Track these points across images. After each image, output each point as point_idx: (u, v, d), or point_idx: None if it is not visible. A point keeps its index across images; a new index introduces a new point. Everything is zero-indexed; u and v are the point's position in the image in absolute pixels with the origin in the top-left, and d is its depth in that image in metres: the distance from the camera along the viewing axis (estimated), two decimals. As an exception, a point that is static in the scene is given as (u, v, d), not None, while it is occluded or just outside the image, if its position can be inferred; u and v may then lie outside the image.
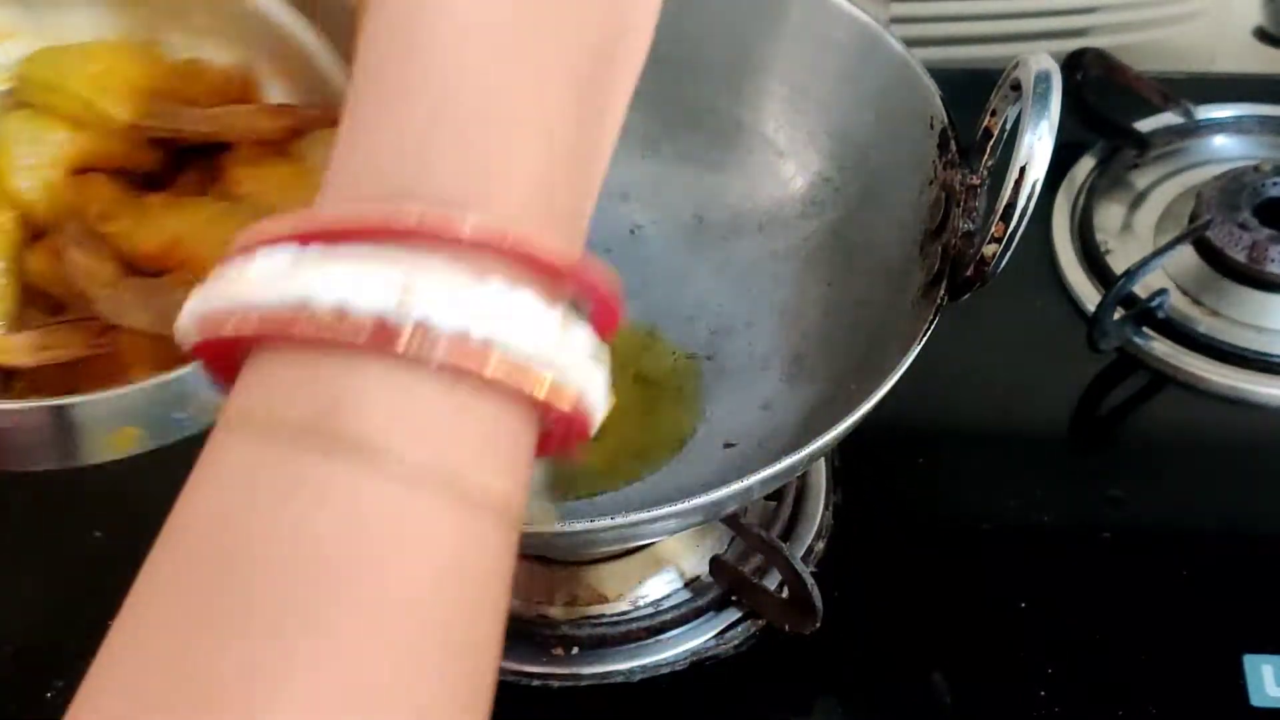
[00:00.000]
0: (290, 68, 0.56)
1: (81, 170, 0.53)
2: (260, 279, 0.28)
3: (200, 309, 0.29)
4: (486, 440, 0.28)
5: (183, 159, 0.55)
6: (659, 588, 0.66)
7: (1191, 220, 0.80)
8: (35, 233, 0.52)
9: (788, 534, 0.67)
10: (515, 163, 0.29)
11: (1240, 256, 0.77)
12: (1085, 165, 0.85)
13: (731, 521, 0.63)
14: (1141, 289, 0.76)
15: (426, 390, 0.27)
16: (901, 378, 0.54)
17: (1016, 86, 0.55)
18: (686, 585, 0.66)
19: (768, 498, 0.68)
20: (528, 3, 0.30)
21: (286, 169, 0.53)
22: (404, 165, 0.28)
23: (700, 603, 0.65)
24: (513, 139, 0.29)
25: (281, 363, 0.28)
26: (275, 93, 0.57)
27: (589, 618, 0.65)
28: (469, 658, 0.28)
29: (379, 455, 0.27)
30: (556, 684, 0.63)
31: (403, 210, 0.27)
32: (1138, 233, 0.83)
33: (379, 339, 0.27)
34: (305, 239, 0.28)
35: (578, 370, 0.29)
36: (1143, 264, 0.75)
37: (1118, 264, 0.78)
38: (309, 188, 0.48)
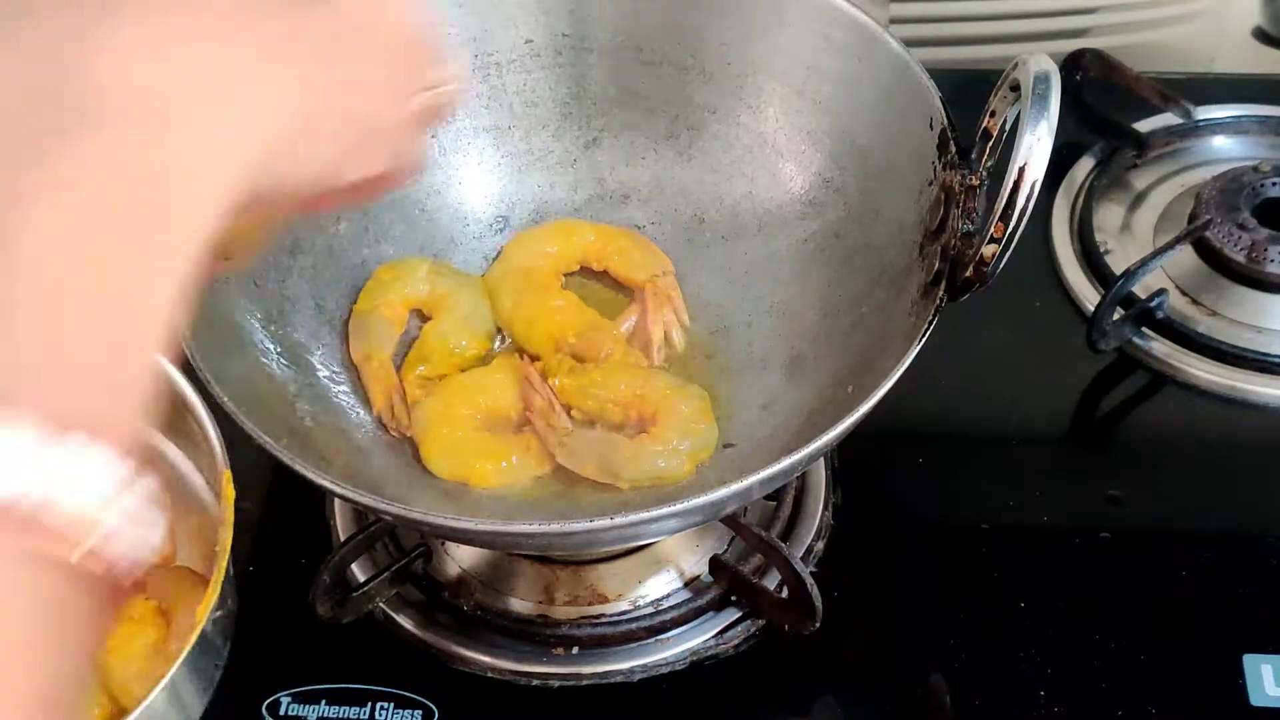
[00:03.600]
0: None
1: None
2: None
3: None
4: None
5: None
6: (659, 588, 0.66)
7: (1191, 220, 0.80)
8: None
9: (787, 534, 0.67)
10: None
11: (1239, 257, 0.77)
12: (1085, 165, 0.86)
13: (731, 521, 0.63)
14: (1141, 289, 0.76)
15: None
16: (901, 378, 0.54)
17: (1016, 87, 0.55)
18: (686, 585, 0.66)
19: (768, 498, 0.68)
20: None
21: None
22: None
23: (700, 603, 0.65)
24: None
25: None
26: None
27: (589, 618, 0.65)
28: None
29: None
30: (556, 684, 0.63)
31: None
32: (1137, 233, 0.83)
33: None
34: None
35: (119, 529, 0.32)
36: (1142, 264, 0.75)
37: (1117, 264, 0.78)
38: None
